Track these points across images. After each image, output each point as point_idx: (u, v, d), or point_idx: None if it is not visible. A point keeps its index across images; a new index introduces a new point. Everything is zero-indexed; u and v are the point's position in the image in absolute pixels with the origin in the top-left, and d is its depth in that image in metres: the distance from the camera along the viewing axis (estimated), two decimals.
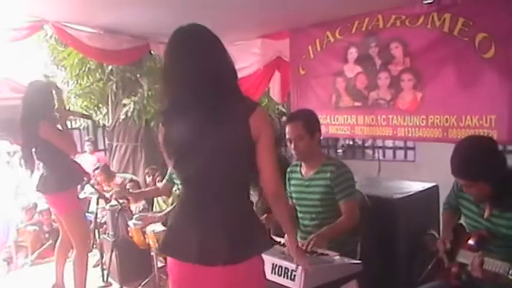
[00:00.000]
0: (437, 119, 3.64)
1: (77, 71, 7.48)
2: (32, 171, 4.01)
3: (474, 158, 2.30)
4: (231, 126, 1.88)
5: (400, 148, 7.62)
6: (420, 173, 5.94)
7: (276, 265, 2.33)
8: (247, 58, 5.32)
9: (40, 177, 3.96)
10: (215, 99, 1.87)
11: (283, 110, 7.99)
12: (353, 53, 4.19)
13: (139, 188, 6.44)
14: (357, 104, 4.23)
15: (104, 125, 8.96)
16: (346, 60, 4.25)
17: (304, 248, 2.61)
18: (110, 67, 7.53)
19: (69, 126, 4.24)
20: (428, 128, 3.70)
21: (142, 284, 4.75)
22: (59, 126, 3.91)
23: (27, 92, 3.83)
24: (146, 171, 6.80)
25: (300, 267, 2.24)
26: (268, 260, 2.32)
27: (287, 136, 3.06)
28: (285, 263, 2.32)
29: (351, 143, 8.36)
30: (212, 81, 1.87)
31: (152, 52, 5.69)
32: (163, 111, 2.07)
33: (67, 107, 7.79)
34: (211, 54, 1.92)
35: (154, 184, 6.13)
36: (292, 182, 3.24)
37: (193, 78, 1.89)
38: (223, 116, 1.86)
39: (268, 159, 1.91)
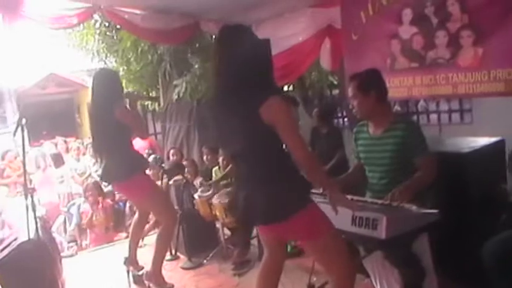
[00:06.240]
0: (499, 72, 3.56)
1: (130, 53, 7.60)
2: (101, 159, 4.09)
3: None
4: (245, 118, 2.27)
5: (456, 111, 7.45)
6: (479, 136, 5.82)
7: (356, 217, 2.36)
8: (295, 29, 5.33)
9: (104, 167, 4.05)
10: (234, 93, 2.29)
11: (334, 82, 7.91)
12: (408, 14, 4.12)
13: (196, 166, 6.37)
14: (413, 65, 4.16)
15: (154, 109, 9.12)
16: (401, 22, 4.18)
17: (388, 201, 2.66)
18: (161, 48, 7.61)
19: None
20: (490, 83, 3.63)
21: (210, 255, 4.89)
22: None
23: (97, 81, 3.89)
24: (203, 149, 6.71)
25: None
26: (347, 212, 2.38)
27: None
28: (365, 214, 2.36)
29: (399, 109, 8.21)
30: (230, 78, 2.31)
31: (202, 29, 5.77)
32: (209, 99, 2.60)
33: None
34: (235, 55, 2.29)
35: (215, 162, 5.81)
36: (360, 142, 3.26)
37: (220, 75, 2.35)
38: (240, 108, 2.28)
39: (286, 139, 2.27)
